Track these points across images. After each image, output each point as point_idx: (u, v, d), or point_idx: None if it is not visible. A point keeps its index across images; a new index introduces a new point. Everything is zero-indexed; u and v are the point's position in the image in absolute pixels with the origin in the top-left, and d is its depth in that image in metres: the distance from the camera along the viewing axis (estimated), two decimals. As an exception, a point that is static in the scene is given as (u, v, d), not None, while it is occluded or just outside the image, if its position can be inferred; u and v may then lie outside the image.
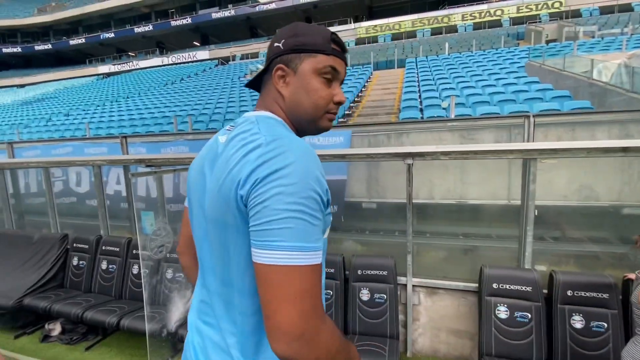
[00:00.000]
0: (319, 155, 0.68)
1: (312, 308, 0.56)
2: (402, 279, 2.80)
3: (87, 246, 3.70)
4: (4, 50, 30.31)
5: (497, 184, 4.12)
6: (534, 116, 2.31)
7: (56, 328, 3.33)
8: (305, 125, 0.75)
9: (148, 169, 2.22)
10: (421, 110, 7.46)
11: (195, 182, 0.73)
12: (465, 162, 3.93)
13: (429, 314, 2.81)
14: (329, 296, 2.76)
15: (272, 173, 0.57)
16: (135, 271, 3.42)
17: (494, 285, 2.39)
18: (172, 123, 6.28)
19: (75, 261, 3.73)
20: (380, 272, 2.69)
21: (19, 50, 30.42)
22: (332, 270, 2.78)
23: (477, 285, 2.63)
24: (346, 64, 0.74)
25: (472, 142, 3.85)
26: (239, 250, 0.63)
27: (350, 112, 8.80)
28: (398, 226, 4.14)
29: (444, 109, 7.07)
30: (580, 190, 3.86)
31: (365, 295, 2.68)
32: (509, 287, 2.36)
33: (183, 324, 2.85)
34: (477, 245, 3.79)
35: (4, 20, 28.83)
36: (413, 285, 2.77)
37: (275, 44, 0.71)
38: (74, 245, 3.77)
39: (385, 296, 2.64)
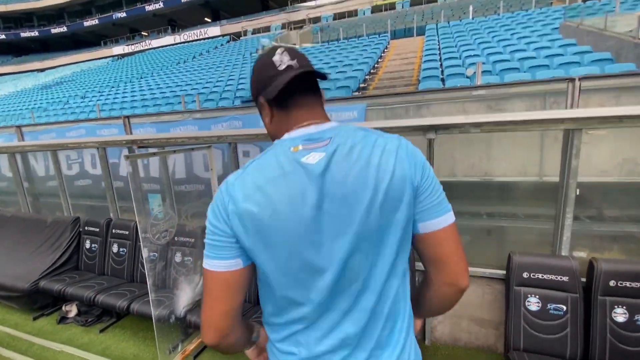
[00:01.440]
0: None
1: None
2: (420, 265, 2.59)
3: (97, 229, 3.68)
4: (23, 34, 30.77)
5: (527, 159, 3.74)
6: (580, 79, 1.94)
7: (72, 310, 3.38)
8: None
9: (143, 151, 2.06)
10: (442, 80, 6.93)
11: (301, 213, 0.66)
12: (491, 135, 3.57)
13: (450, 302, 2.61)
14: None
15: (424, 160, 0.72)
16: (145, 254, 3.36)
17: (524, 275, 2.14)
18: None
19: (87, 244, 3.73)
20: (396, 258, 2.48)
21: (37, 34, 30.78)
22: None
23: (504, 272, 2.38)
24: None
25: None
26: (407, 239, 0.72)
27: (365, 85, 8.33)
28: None
29: (468, 77, 6.53)
30: (622, 164, 3.45)
31: (379, 282, 2.50)
32: (542, 276, 2.11)
33: (192, 309, 2.78)
34: (505, 226, 3.49)
35: (19, 5, 29.02)
36: (432, 272, 2.55)
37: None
38: (86, 228, 3.77)
39: (401, 283, 2.45)
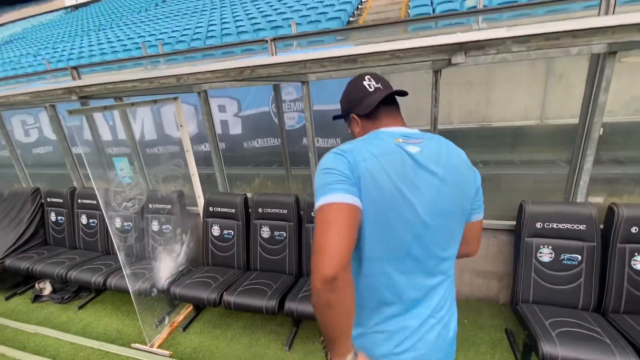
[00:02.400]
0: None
1: None
2: (421, 220, 2.39)
3: (61, 200, 3.30)
4: (-45, -17, 26.65)
5: (528, 101, 3.46)
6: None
7: (46, 287, 3.11)
8: None
9: (95, 104, 1.65)
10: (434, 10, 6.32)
11: (408, 186, 0.80)
12: (492, 77, 3.23)
13: (452, 256, 2.46)
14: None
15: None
16: (118, 224, 3.05)
17: (537, 225, 1.96)
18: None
19: (53, 217, 3.37)
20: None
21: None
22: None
23: (513, 223, 2.21)
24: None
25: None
26: (461, 224, 0.91)
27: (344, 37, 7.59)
28: None
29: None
30: (629, 103, 3.22)
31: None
32: (557, 225, 1.93)
33: (176, 279, 2.56)
34: (507, 174, 3.30)
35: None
36: (435, 227, 2.37)
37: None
38: (48, 199, 3.37)
39: (402, 241, 2.25)
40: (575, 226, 1.89)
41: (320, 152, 3.21)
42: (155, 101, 2.30)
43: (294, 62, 1.11)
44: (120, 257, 2.10)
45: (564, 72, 3.02)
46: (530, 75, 3.18)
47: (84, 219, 3.21)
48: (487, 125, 3.59)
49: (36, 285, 3.13)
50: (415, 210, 0.79)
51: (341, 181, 0.75)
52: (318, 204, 0.74)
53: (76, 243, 3.27)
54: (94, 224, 3.16)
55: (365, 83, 0.90)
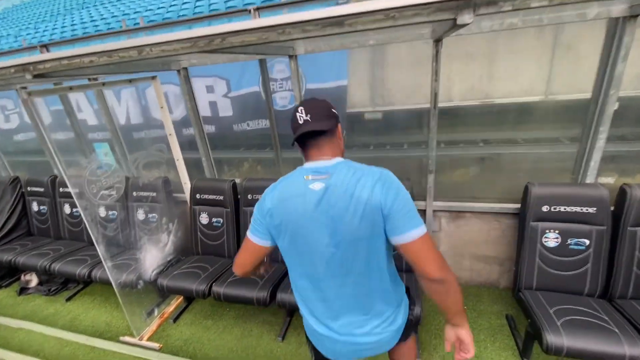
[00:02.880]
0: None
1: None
2: (419, 204, 2.26)
3: (42, 189, 3.14)
4: None
5: (533, 76, 3.26)
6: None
7: (33, 279, 3.01)
8: None
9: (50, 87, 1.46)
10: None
11: (308, 225, 0.96)
12: (495, 50, 3.02)
13: (452, 241, 2.35)
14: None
15: (398, 187, 0.93)
16: (103, 214, 2.91)
17: (544, 209, 1.83)
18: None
19: (35, 206, 3.22)
20: (394, 199, 2.12)
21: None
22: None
23: (517, 206, 2.09)
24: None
25: None
26: (379, 248, 0.96)
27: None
28: (407, 138, 3.44)
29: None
30: None
31: (375, 227, 2.18)
32: (565, 209, 1.80)
33: (163, 270, 2.45)
34: (509, 154, 3.16)
35: None
36: (433, 211, 2.24)
37: (333, 111, 1.01)
38: (29, 188, 3.21)
39: (399, 227, 2.13)
40: (584, 209, 1.77)
41: None
42: (130, 81, 2.11)
43: (269, 26, 0.94)
44: (100, 249, 1.98)
45: (572, 43, 2.81)
46: (536, 46, 2.96)
47: (67, 209, 3.06)
48: (489, 102, 3.39)
49: (22, 278, 3.03)
50: (317, 241, 0.96)
51: (255, 224, 1.05)
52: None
53: (61, 233, 3.14)
54: (78, 214, 3.02)
55: (298, 114, 0.95)
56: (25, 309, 2.74)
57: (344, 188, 0.90)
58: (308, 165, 0.98)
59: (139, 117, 3.59)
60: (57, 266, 2.62)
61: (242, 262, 1.10)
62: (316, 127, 0.92)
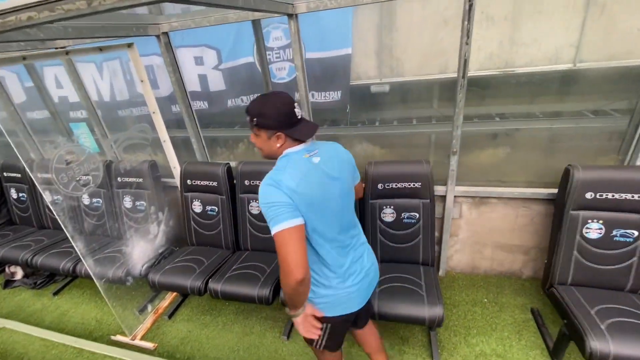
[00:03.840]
0: None
1: None
2: (439, 189, 2.01)
3: (19, 175, 2.86)
4: None
5: (561, 40, 2.90)
6: None
7: (18, 271, 2.81)
8: None
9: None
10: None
11: (325, 188, 1.11)
12: (519, 11, 2.64)
13: (473, 229, 2.13)
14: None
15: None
16: (87, 202, 2.66)
17: (588, 196, 1.58)
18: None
19: (14, 193, 2.96)
20: (411, 185, 1.87)
21: None
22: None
23: (550, 191, 1.84)
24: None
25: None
26: (353, 192, 1.28)
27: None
28: (417, 112, 3.12)
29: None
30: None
31: (389, 215, 1.94)
32: (612, 196, 1.56)
33: (155, 264, 2.23)
34: (535, 130, 2.87)
35: None
36: (455, 196, 1.99)
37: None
38: (5, 174, 2.93)
39: (417, 215, 1.89)
40: (636, 196, 1.52)
41: (316, 109, 2.71)
42: (100, 49, 1.78)
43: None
44: (78, 246, 1.75)
45: (607, 2, 2.45)
46: (565, 6, 2.58)
47: (47, 196, 2.80)
48: (510, 72, 3.04)
49: (6, 269, 2.82)
50: (335, 201, 1.13)
51: (284, 210, 1.00)
52: (273, 231, 1.00)
53: (44, 222, 2.91)
54: (59, 201, 2.76)
55: (296, 110, 1.08)
56: (11, 305, 2.55)
57: (331, 155, 1.16)
58: (299, 147, 1.11)
59: (125, 93, 3.24)
60: (39, 259, 2.40)
61: (301, 258, 0.99)
62: (310, 121, 1.15)
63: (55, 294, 2.61)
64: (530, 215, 1.97)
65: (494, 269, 2.24)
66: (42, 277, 2.74)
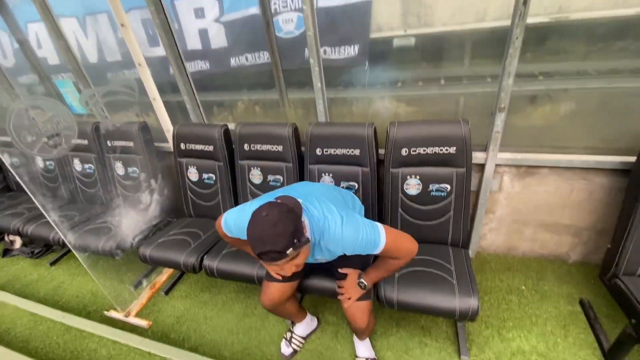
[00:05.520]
0: None
1: None
2: (476, 157, 1.65)
3: (9, 139, 2.66)
4: None
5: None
6: None
7: (17, 240, 2.70)
8: None
9: None
10: None
11: None
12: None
13: (514, 204, 1.78)
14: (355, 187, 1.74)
15: None
16: (78, 167, 2.45)
17: (683, 163, 1.20)
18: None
19: (7, 159, 2.78)
20: (443, 150, 1.52)
21: None
22: (356, 152, 1.66)
23: (623, 160, 1.46)
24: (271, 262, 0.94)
25: None
26: None
27: None
28: (446, 71, 2.65)
29: None
30: None
31: (414, 187, 1.61)
32: None
33: (147, 236, 2.02)
34: (599, 89, 2.40)
35: None
36: (496, 165, 1.64)
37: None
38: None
39: (448, 187, 1.56)
40: None
41: (328, 68, 2.29)
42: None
43: None
44: (51, 216, 1.53)
45: None
46: None
47: (39, 161, 2.61)
48: (563, 19, 2.51)
49: (6, 238, 2.72)
50: None
51: (367, 223, 1.08)
52: (382, 243, 1.05)
53: (39, 189, 2.74)
54: (52, 167, 2.57)
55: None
56: (8, 274, 2.45)
57: None
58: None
59: (116, 54, 2.91)
60: (30, 228, 2.24)
61: (406, 234, 1.15)
62: None
63: (52, 264, 2.48)
64: (589, 189, 1.60)
65: (534, 251, 1.91)
66: (39, 247, 2.62)
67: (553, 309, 1.66)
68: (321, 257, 1.18)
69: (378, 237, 1.04)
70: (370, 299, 1.32)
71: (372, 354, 1.54)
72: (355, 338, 1.58)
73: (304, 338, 1.66)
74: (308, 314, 1.68)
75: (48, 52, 2.76)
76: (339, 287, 1.34)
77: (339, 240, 1.04)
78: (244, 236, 1.00)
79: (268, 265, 1.02)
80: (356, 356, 1.55)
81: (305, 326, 1.66)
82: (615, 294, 1.38)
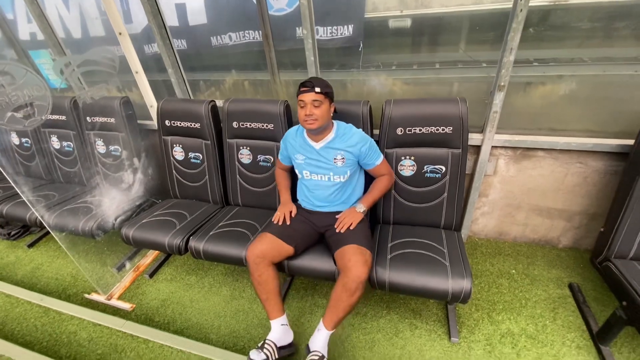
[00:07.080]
0: None
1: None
2: (472, 138, 1.61)
3: (-19, 113, 2.50)
4: None
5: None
6: None
7: (-9, 220, 2.56)
8: None
9: None
10: None
11: None
12: None
13: (508, 188, 1.76)
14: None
15: None
16: (56, 145, 2.33)
17: (682, 144, 1.18)
18: None
19: (-18, 135, 2.62)
20: (439, 129, 1.47)
21: None
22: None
23: (623, 143, 1.43)
24: (310, 91, 1.32)
25: None
26: None
27: None
28: (443, 56, 2.58)
29: None
30: None
31: (408, 168, 1.57)
32: None
33: (130, 217, 1.94)
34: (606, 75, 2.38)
35: None
36: (492, 147, 1.60)
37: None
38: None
39: (443, 168, 1.52)
40: None
41: (321, 49, 2.18)
42: None
43: None
44: (27, 196, 1.43)
45: None
46: None
47: (14, 139, 2.47)
48: (562, 1, 2.46)
49: (-20, 218, 2.58)
50: None
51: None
52: (380, 159, 1.48)
53: (14, 168, 2.60)
54: (28, 144, 2.43)
55: None
56: (-17, 256, 2.34)
57: None
58: None
59: (99, 28, 2.72)
60: (4, 208, 2.12)
61: None
62: None
63: (30, 246, 2.38)
64: (584, 173, 1.58)
65: (525, 235, 1.91)
66: (16, 228, 2.50)
67: (542, 293, 1.66)
68: (336, 154, 1.41)
69: (379, 152, 1.46)
70: (371, 251, 1.33)
71: (325, 352, 1.29)
72: (320, 325, 1.31)
73: (277, 348, 1.34)
74: (285, 317, 1.40)
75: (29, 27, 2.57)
76: (338, 220, 1.45)
77: (355, 132, 1.42)
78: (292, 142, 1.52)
79: (301, 97, 1.33)
80: (307, 346, 1.32)
81: (280, 334, 1.37)
82: (607, 277, 1.37)
